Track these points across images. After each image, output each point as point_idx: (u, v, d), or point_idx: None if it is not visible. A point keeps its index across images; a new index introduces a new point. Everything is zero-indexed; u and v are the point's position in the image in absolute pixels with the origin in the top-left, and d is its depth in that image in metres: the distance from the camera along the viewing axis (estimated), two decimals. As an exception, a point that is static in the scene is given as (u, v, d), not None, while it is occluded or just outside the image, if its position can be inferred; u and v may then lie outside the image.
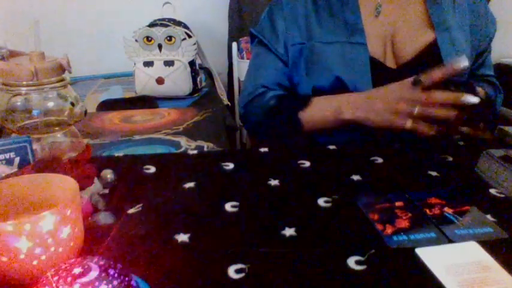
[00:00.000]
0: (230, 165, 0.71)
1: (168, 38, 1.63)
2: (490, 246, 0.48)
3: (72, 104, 0.63)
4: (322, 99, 0.85)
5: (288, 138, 0.89)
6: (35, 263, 0.38)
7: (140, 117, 1.39)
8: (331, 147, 0.78)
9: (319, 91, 0.86)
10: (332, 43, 0.86)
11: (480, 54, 0.95)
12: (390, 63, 0.87)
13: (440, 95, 0.69)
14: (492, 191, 0.61)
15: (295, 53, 0.90)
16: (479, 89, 0.71)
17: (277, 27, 0.91)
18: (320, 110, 0.84)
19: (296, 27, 0.90)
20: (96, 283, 0.31)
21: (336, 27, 0.87)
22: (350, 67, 0.84)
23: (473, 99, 0.67)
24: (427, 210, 0.55)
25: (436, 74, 0.69)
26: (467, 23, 0.90)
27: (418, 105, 0.71)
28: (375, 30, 0.87)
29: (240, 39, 2.00)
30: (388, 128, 0.75)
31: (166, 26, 1.67)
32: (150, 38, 1.63)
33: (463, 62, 0.67)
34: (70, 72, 0.62)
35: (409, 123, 0.72)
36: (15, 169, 0.54)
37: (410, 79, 0.73)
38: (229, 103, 1.84)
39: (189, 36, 1.68)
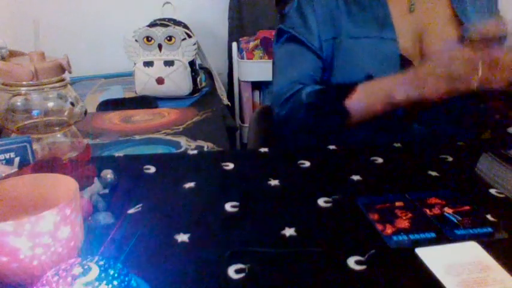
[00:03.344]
0: (230, 165, 0.70)
1: (168, 38, 1.63)
2: (490, 246, 0.48)
3: (72, 104, 0.63)
4: (369, 85, 0.81)
5: (335, 131, 0.86)
6: (35, 263, 0.38)
7: (140, 117, 1.39)
8: (331, 147, 0.78)
9: None
10: (362, 38, 0.85)
11: None
12: (418, 60, 0.86)
13: (499, 51, 0.67)
14: (492, 191, 0.61)
15: (328, 47, 0.87)
16: None
17: (309, 22, 0.88)
18: (368, 96, 0.80)
19: (326, 21, 0.87)
20: (96, 283, 0.31)
21: (366, 21, 0.85)
22: (379, 62, 0.83)
23: None
24: (427, 210, 0.55)
25: (484, 28, 0.68)
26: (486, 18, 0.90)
27: (481, 64, 0.67)
28: (405, 27, 0.86)
29: (240, 39, 1.99)
30: (450, 93, 0.71)
31: (166, 26, 1.67)
32: (150, 38, 1.63)
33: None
34: (70, 72, 0.62)
35: (476, 83, 0.68)
36: (15, 169, 0.54)
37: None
38: (229, 103, 1.84)
39: (189, 36, 1.68)
